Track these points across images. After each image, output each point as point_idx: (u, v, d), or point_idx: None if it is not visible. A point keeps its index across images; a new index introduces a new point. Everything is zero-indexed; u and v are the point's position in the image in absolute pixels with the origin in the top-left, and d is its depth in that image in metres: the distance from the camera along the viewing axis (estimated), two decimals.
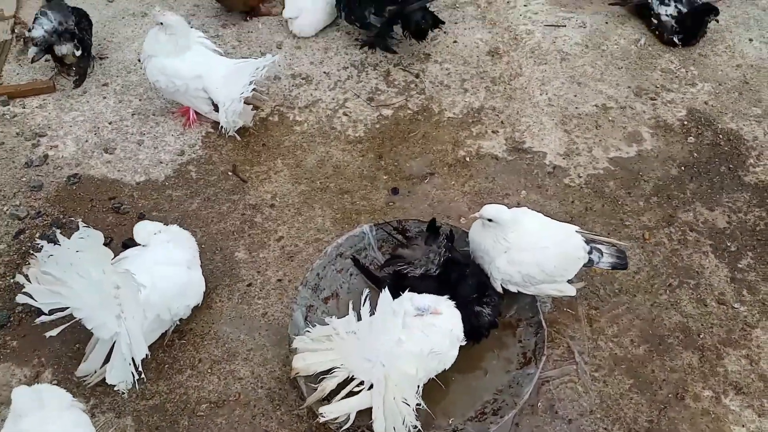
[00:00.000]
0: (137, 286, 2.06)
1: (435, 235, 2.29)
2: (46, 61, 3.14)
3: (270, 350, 2.29)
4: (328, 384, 1.97)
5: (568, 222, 2.42)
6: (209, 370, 2.23)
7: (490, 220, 2.14)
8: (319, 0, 3.35)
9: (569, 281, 2.23)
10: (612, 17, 3.55)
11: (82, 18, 3.11)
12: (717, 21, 3.29)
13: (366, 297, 2.06)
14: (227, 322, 2.36)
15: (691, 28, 3.29)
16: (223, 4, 3.51)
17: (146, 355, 2.08)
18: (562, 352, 2.29)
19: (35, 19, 3.03)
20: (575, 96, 3.14)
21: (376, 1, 3.12)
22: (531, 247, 2.15)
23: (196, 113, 2.95)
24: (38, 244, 1.99)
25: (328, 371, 1.99)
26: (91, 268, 2.00)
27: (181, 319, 2.28)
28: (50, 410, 1.81)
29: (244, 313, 2.39)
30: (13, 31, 3.38)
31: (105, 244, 2.44)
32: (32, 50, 2.99)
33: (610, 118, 3.05)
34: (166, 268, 2.19)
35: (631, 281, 2.47)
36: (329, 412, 1.94)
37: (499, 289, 2.19)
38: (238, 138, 2.91)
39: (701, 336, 2.33)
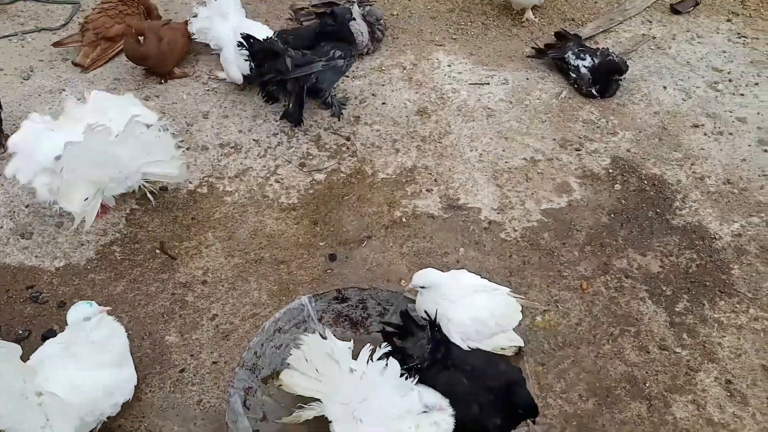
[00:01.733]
0: (54, 395, 1.92)
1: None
2: None
3: None
4: (304, 414, 2.01)
5: (507, 276, 2.45)
6: None
7: (423, 287, 2.16)
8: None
9: None
10: (532, 73, 3.67)
11: None
12: (623, 79, 3.47)
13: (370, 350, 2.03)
14: (158, 414, 2.20)
15: (603, 83, 3.45)
16: (136, 64, 3.44)
17: None
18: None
19: None
20: (504, 150, 3.20)
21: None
22: (477, 294, 2.21)
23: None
24: None
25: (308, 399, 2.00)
26: (10, 380, 1.87)
27: (108, 417, 2.11)
28: None
29: (177, 402, 2.23)
30: None
31: (23, 338, 2.30)
32: None
33: (539, 171, 3.11)
34: (90, 372, 2.03)
35: (573, 333, 2.46)
36: None
37: (460, 343, 2.15)
38: (163, 212, 2.80)
39: (647, 384, 2.33)
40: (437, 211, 2.90)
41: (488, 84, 3.57)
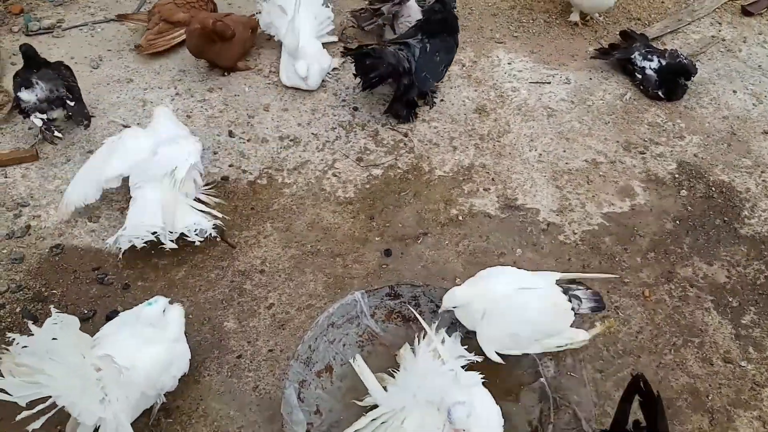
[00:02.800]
0: (119, 369, 1.97)
1: None
2: (29, 129, 3.11)
3: (262, 427, 2.17)
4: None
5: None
6: None
7: (454, 308, 2.14)
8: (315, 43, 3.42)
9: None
10: (596, 73, 3.59)
11: (64, 74, 3.12)
12: (691, 82, 3.35)
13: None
14: (216, 398, 2.24)
15: (670, 85, 3.34)
16: (198, 57, 3.51)
17: None
18: (569, 420, 2.19)
19: (24, 85, 3.02)
20: (564, 151, 3.14)
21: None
22: (508, 306, 2.12)
23: None
24: (9, 337, 1.90)
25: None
26: (69, 354, 1.92)
27: (167, 394, 2.16)
28: None
29: (233, 387, 2.27)
30: None
31: (88, 318, 2.36)
32: (34, 121, 3.03)
33: (601, 173, 3.04)
34: (149, 346, 2.09)
35: (634, 341, 2.40)
36: None
37: (496, 359, 2.12)
38: (224, 202, 2.85)
39: (710, 397, 2.25)
40: (494, 211, 2.87)
41: (549, 83, 3.51)
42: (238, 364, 2.34)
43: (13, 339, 1.88)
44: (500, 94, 3.44)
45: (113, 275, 2.60)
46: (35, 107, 3.00)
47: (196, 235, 2.63)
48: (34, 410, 1.89)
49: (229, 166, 3.06)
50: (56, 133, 3.09)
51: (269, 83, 3.52)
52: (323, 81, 3.47)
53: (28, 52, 3.10)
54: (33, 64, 3.10)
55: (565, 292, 2.17)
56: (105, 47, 3.70)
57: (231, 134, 3.22)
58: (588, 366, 2.32)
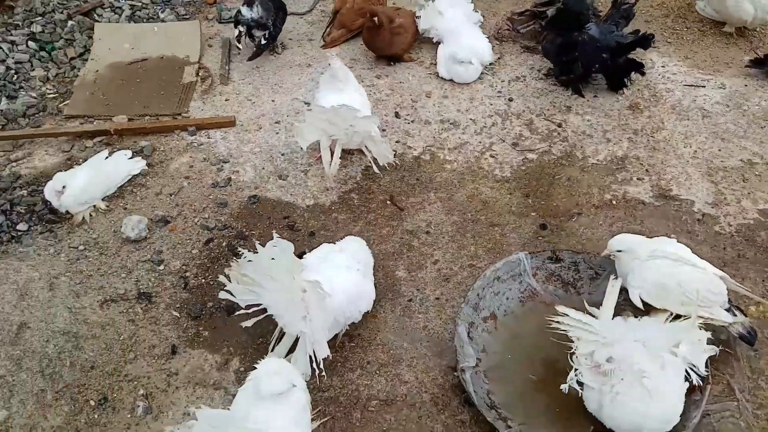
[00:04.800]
0: (324, 295, 2.30)
1: None
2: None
3: (431, 360, 2.45)
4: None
5: (720, 267, 2.50)
6: (377, 372, 2.41)
7: (619, 251, 2.36)
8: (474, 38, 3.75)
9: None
10: (751, 80, 3.64)
11: (279, 11, 3.88)
12: None
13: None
14: (391, 331, 2.55)
15: None
16: (370, 48, 3.89)
17: (328, 355, 2.29)
18: (722, 389, 2.30)
19: (248, 2, 3.73)
20: (719, 150, 3.23)
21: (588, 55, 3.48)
22: (669, 263, 2.33)
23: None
24: (240, 251, 2.28)
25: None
26: (282, 274, 2.26)
27: (351, 324, 2.49)
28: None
29: (406, 324, 2.57)
30: (197, 74, 3.88)
31: None
32: (238, 30, 3.80)
33: (757, 173, 3.10)
34: (345, 275, 2.43)
35: None
36: None
37: (638, 303, 2.31)
38: (392, 172, 3.19)
39: None
40: (648, 199, 3.01)
41: (704, 87, 3.60)
42: (409, 306, 2.64)
43: (242, 252, 2.26)
44: (654, 93, 3.58)
45: (300, 224, 2.99)
46: (247, 23, 3.73)
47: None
48: (249, 311, 2.27)
49: (396, 142, 3.40)
50: (278, 49, 3.97)
51: (430, 74, 3.85)
52: (480, 74, 3.75)
53: None
54: None
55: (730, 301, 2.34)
56: (286, 36, 4.17)
57: (397, 115, 3.57)
58: (742, 344, 2.41)
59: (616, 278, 2.35)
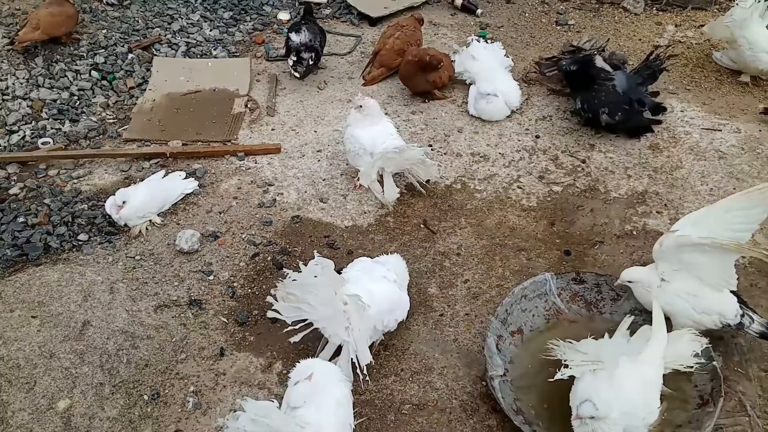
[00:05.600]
0: (364, 306, 2.50)
1: None
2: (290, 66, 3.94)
3: (461, 370, 2.63)
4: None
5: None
6: (410, 379, 2.60)
7: (630, 282, 2.59)
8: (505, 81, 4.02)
9: None
10: (765, 126, 3.85)
11: (322, 36, 4.33)
12: None
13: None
14: (423, 342, 2.74)
15: None
16: (407, 83, 4.18)
17: (370, 361, 2.48)
18: (734, 405, 2.44)
19: (296, 30, 4.19)
20: (734, 189, 3.42)
21: (610, 104, 3.69)
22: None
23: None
24: (285, 272, 2.50)
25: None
26: (325, 290, 2.46)
27: (386, 333, 2.69)
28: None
29: (437, 337, 2.76)
30: (246, 105, 4.20)
31: None
32: (291, 59, 4.25)
33: None
34: (384, 285, 2.64)
35: None
36: None
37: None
38: (425, 198, 3.42)
39: None
40: (667, 230, 3.19)
41: (720, 130, 3.82)
42: (440, 320, 2.83)
43: (287, 273, 2.47)
44: (673, 135, 3.80)
45: (340, 243, 3.22)
46: (297, 48, 4.15)
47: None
48: (296, 327, 2.48)
49: None
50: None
51: (462, 111, 4.12)
52: (510, 113, 4.02)
53: (306, 8, 4.45)
54: (306, 18, 4.35)
55: (741, 303, 2.52)
56: (329, 74, 4.48)
57: (431, 147, 3.82)
58: (754, 365, 2.56)
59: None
